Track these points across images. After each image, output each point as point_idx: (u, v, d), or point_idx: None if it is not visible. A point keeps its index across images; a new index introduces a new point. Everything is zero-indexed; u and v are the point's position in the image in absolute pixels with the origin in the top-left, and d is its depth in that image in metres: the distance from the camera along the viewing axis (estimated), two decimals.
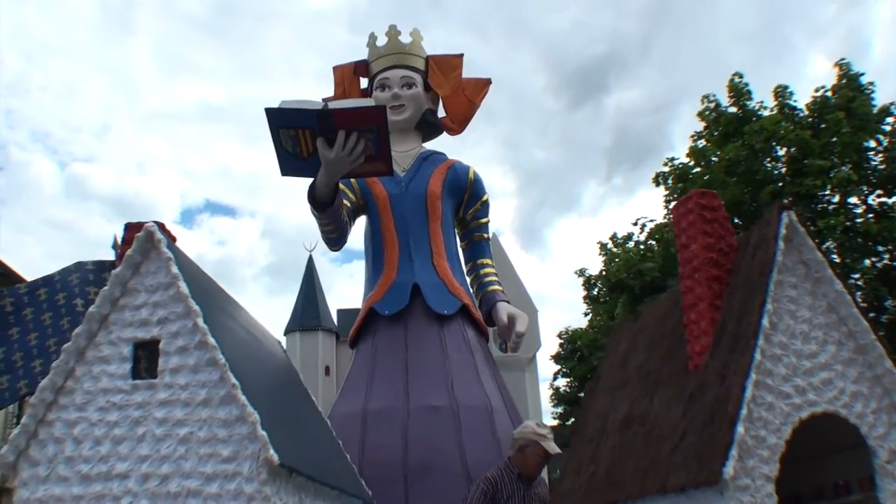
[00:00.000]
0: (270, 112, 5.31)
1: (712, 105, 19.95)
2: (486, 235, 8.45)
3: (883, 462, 3.36)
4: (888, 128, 17.64)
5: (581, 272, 22.28)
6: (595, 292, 22.28)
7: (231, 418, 3.05)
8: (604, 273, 20.75)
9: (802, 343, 3.38)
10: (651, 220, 21.07)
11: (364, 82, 8.81)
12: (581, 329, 22.84)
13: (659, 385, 3.92)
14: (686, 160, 20.30)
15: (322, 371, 32.04)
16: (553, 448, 4.21)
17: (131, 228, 3.62)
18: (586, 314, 22.64)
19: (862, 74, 18.53)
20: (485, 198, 8.50)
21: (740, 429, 3.10)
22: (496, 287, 7.90)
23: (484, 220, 8.48)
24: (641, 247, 20.58)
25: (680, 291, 3.74)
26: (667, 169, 20.35)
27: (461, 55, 8.93)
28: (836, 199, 17.26)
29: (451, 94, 8.82)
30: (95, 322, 3.25)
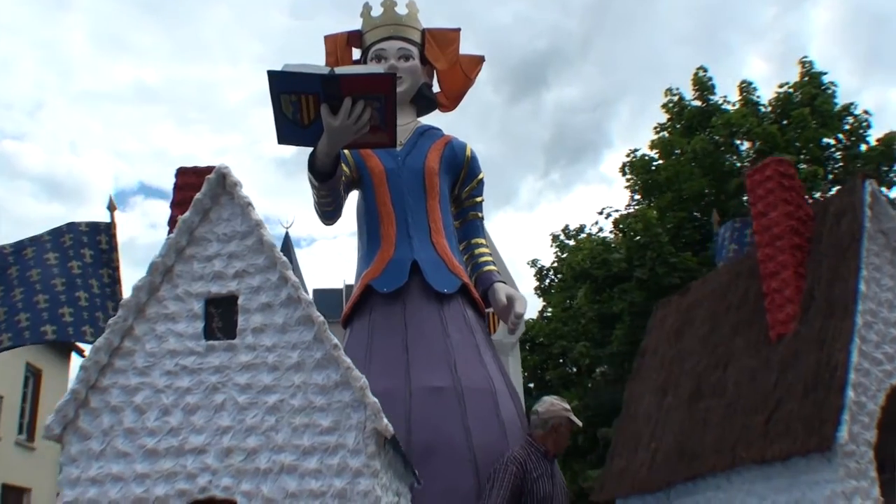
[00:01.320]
0: (273, 75, 4.88)
1: (675, 98, 20.42)
2: (480, 214, 8.18)
3: None
4: (847, 126, 18.52)
5: (533, 263, 22.40)
6: (547, 283, 22.41)
7: (329, 384, 2.60)
8: (559, 264, 20.89)
9: (888, 311, 3.26)
10: (616, 210, 21.39)
11: (356, 53, 8.38)
12: (531, 320, 22.85)
13: (732, 357, 3.73)
14: (649, 152, 20.75)
15: None
16: (579, 422, 3.96)
17: (183, 174, 3.12)
18: (545, 305, 22.69)
19: (824, 73, 19.36)
20: (480, 176, 8.23)
21: (850, 394, 2.92)
22: (491, 267, 7.66)
23: (479, 198, 8.20)
24: (611, 235, 20.81)
25: (758, 260, 3.56)
26: (629, 159, 20.74)
27: (458, 29, 8.63)
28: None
29: (447, 68, 8.50)
30: (159, 274, 2.73)
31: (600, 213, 24.49)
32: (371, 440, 2.54)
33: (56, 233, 5.25)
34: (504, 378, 7.38)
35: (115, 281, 5.37)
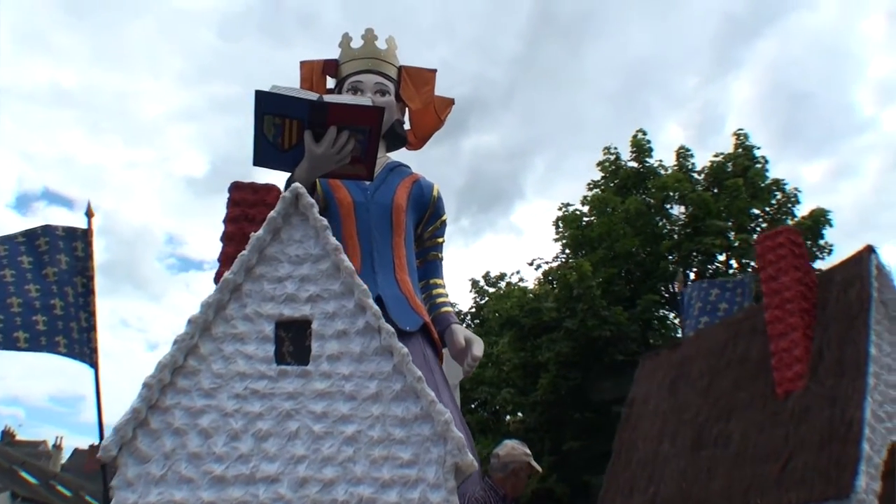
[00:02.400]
0: (261, 95, 4.89)
1: (612, 157, 21.38)
2: (440, 255, 8.27)
3: None
4: (775, 200, 19.90)
5: (453, 305, 22.58)
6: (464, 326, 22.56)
7: (409, 416, 2.55)
8: (477, 309, 21.15)
9: (888, 374, 3.57)
10: (545, 262, 21.94)
11: (331, 82, 8.41)
12: None
13: (735, 410, 3.93)
14: (581, 207, 21.56)
15: None
16: (538, 467, 4.05)
17: (239, 189, 3.00)
18: None
19: (757, 147, 20.77)
20: (444, 217, 8.36)
21: (866, 447, 3.15)
22: (449, 308, 7.77)
23: (440, 239, 8.29)
24: (532, 285, 21.29)
25: (766, 320, 3.82)
26: (561, 213, 21.44)
27: (434, 70, 8.84)
28: (735, 263, 19.05)
29: (421, 108, 8.66)
30: (227, 292, 2.61)
31: (530, 263, 25.35)
32: (450, 475, 2.50)
33: (31, 235, 4.93)
34: (459, 417, 7.44)
35: (90, 291, 5.05)
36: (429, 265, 8.71)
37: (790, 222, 21.03)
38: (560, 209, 22.55)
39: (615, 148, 22.21)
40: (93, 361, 4.90)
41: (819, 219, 20.11)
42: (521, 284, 22.86)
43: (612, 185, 22.01)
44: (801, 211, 21.18)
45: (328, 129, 5.49)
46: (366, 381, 2.62)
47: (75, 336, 4.70)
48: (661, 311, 21.66)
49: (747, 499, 3.40)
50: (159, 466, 2.42)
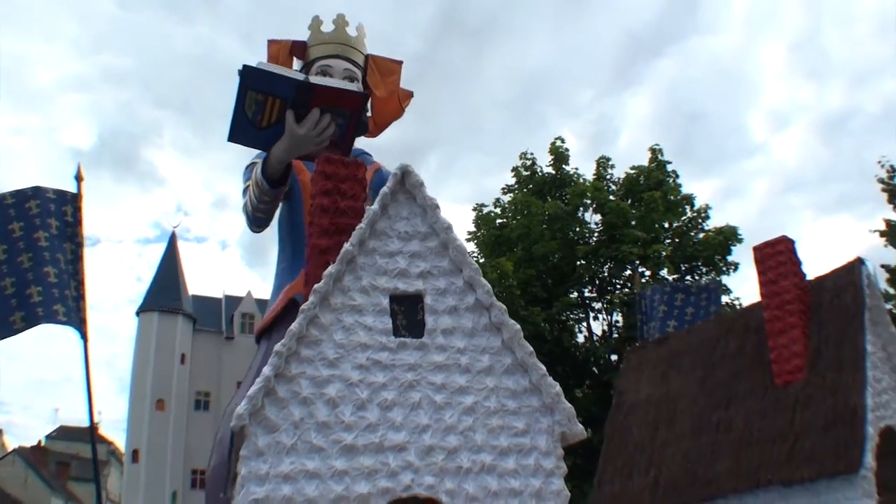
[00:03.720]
0: (248, 70, 5.00)
1: (529, 162, 22.00)
2: None
3: None
4: (686, 215, 21.12)
5: None
6: None
7: (520, 389, 2.69)
8: None
9: (873, 369, 4.10)
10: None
11: (296, 64, 8.44)
12: None
13: (734, 399, 4.35)
14: (493, 209, 22.00)
15: (178, 359, 27.44)
16: None
17: (328, 162, 3.05)
18: None
19: (669, 163, 21.92)
20: None
21: (870, 429, 3.64)
22: None
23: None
24: None
25: (765, 320, 4.26)
26: (475, 214, 21.81)
27: (401, 62, 9.03)
28: (648, 271, 20.06)
29: (385, 97, 8.84)
30: (344, 263, 2.66)
31: None
32: (559, 443, 2.70)
33: (21, 196, 4.64)
34: None
35: (78, 258, 4.82)
36: None
37: (700, 237, 22.69)
38: (474, 209, 23.16)
39: (531, 153, 23.10)
40: (83, 332, 4.69)
41: (729, 235, 21.83)
42: None
43: (526, 189, 22.85)
44: (709, 226, 22.93)
45: (311, 110, 5.55)
46: (478, 354, 2.76)
47: (70, 304, 4.48)
48: (576, 313, 22.68)
49: (758, 476, 3.82)
50: (289, 436, 2.45)
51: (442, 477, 2.49)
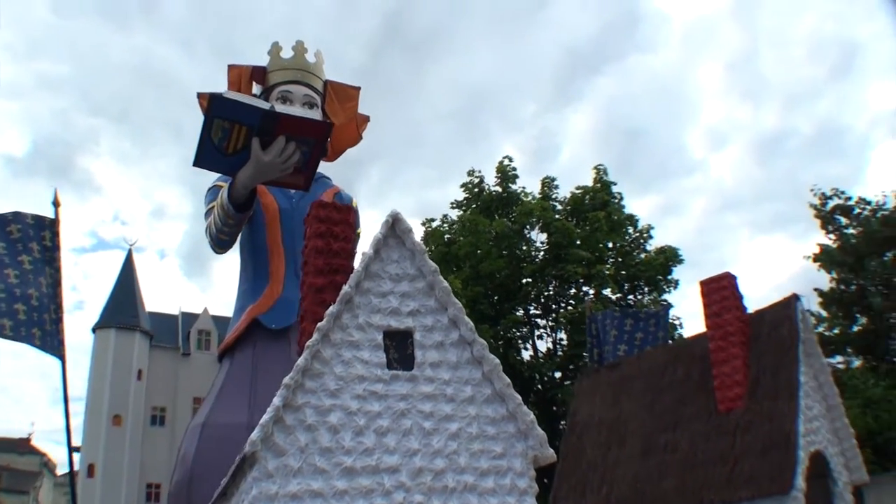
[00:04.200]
0: (216, 98, 5.30)
1: (477, 180, 22.46)
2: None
3: (840, 490, 4.68)
4: (629, 235, 21.81)
5: None
6: None
7: (498, 416, 3.03)
8: None
9: (805, 398, 4.58)
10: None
11: (256, 89, 8.69)
12: None
13: (680, 422, 4.77)
14: (441, 224, 22.36)
15: (135, 374, 26.94)
16: None
17: (322, 207, 3.35)
18: None
19: (614, 183, 22.61)
20: (359, 231, 8.93)
21: (801, 453, 4.10)
22: None
23: (354, 250, 8.87)
24: None
25: (710, 350, 4.71)
26: (424, 229, 22.15)
27: (359, 88, 9.35)
28: (591, 291, 20.65)
29: (344, 123, 9.14)
30: (342, 302, 2.96)
31: None
32: (531, 465, 3.04)
33: (1, 220, 4.77)
34: None
35: (57, 283, 4.95)
36: None
37: (642, 256, 23.55)
38: (423, 224, 23.59)
39: (479, 171, 23.66)
40: (61, 354, 4.82)
41: (670, 256, 22.73)
42: None
43: (474, 206, 23.38)
44: (652, 247, 23.82)
45: (276, 138, 5.84)
46: (462, 385, 3.09)
47: (48, 328, 4.60)
48: (522, 330, 23.23)
49: (701, 496, 4.24)
50: (296, 459, 2.73)
51: (430, 496, 2.81)
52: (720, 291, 4.75)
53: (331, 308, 2.94)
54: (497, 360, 3.09)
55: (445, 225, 23.02)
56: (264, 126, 5.45)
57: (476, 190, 22.70)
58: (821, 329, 20.74)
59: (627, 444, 4.93)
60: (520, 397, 3.06)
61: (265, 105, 5.61)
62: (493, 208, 22.54)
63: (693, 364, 4.92)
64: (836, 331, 20.86)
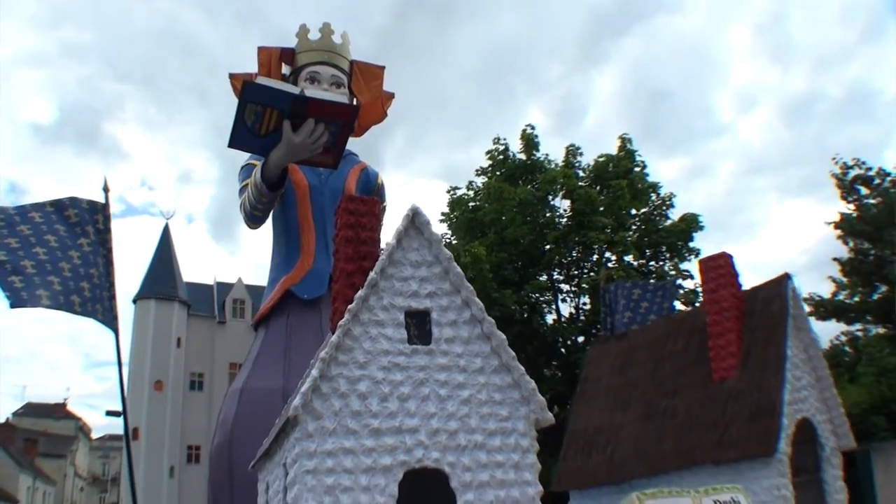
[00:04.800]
0: (249, 85, 5.74)
1: (502, 147, 22.81)
2: None
3: (828, 454, 5.13)
4: (653, 202, 22.09)
5: None
6: None
7: (504, 384, 3.51)
8: None
9: (794, 369, 4.99)
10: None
11: (285, 69, 9.14)
12: None
13: (679, 390, 5.22)
14: (467, 192, 22.83)
15: (175, 342, 29.05)
16: None
17: (351, 201, 3.81)
18: None
19: (638, 152, 22.83)
20: (384, 204, 9.47)
21: (786, 420, 4.54)
22: None
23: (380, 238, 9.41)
24: None
25: (707, 324, 5.13)
26: (450, 197, 22.64)
27: (383, 67, 9.75)
28: (613, 257, 21.07)
29: (369, 101, 9.56)
30: (370, 286, 3.44)
31: None
32: (533, 427, 3.53)
33: (59, 205, 5.26)
34: None
35: (109, 262, 5.48)
36: None
37: (665, 224, 23.75)
38: (448, 192, 23.99)
39: (504, 139, 23.95)
40: (115, 328, 5.39)
41: (690, 223, 22.92)
42: None
43: (499, 173, 23.72)
44: (675, 214, 24.03)
45: (306, 120, 6.31)
46: (473, 358, 3.56)
47: (106, 304, 5.17)
48: (546, 295, 23.72)
49: (694, 457, 4.71)
50: (331, 422, 3.24)
51: (445, 452, 3.31)
52: (717, 270, 5.15)
53: (359, 292, 3.42)
54: (503, 336, 3.55)
55: (471, 192, 23.38)
56: (295, 109, 5.86)
57: (501, 157, 22.98)
58: (842, 296, 20.91)
59: (631, 409, 5.40)
60: (522, 368, 3.52)
61: (295, 90, 6.04)
62: (517, 175, 22.80)
63: (692, 336, 5.34)
64: (855, 298, 21.01)
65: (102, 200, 5.60)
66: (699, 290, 21.76)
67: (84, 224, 5.11)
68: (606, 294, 7.69)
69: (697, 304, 20.15)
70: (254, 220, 7.88)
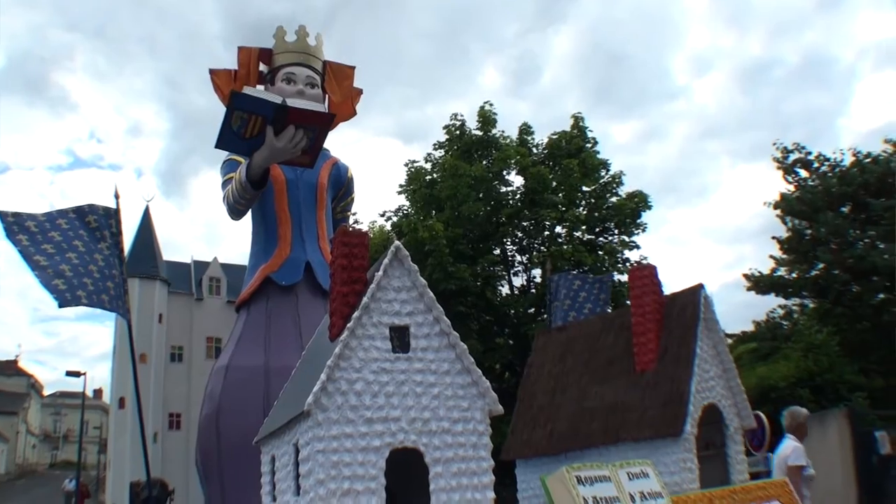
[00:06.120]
0: (236, 95, 6.77)
1: (459, 122, 23.92)
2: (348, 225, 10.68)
3: (731, 432, 6.41)
4: (603, 179, 23.52)
5: None
6: None
7: (465, 383, 4.61)
8: None
9: (704, 364, 6.22)
10: (396, 213, 24.15)
11: (262, 68, 10.10)
12: None
13: (608, 378, 6.41)
14: (424, 165, 23.96)
15: (157, 318, 31.28)
16: None
17: (345, 234, 4.84)
18: None
19: (590, 130, 24.16)
20: (353, 196, 10.62)
21: (692, 407, 5.77)
22: None
23: (349, 212, 10.62)
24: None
25: (632, 323, 6.31)
26: (408, 168, 23.78)
27: (353, 67, 10.74)
28: (564, 233, 22.44)
29: (341, 101, 10.59)
30: (362, 308, 4.50)
31: (381, 214, 27.55)
32: (486, 415, 4.68)
33: (80, 212, 6.10)
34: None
35: (122, 262, 6.41)
36: None
37: (614, 200, 25.23)
38: (406, 165, 25.01)
39: (461, 115, 25.07)
40: (129, 321, 6.38)
41: (639, 201, 24.48)
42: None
43: (456, 148, 24.81)
44: (623, 191, 25.50)
45: (287, 126, 7.31)
46: (441, 362, 4.64)
47: (123, 299, 6.13)
48: (499, 269, 25.13)
49: (618, 434, 5.93)
50: (335, 413, 4.29)
51: (420, 436, 4.40)
52: (643, 279, 6.31)
53: (355, 312, 4.49)
54: (464, 346, 4.65)
55: (429, 164, 24.42)
56: (277, 116, 6.87)
57: (458, 132, 24.05)
58: (781, 272, 22.69)
59: (567, 392, 6.60)
60: (480, 371, 4.64)
61: (277, 99, 7.04)
62: (473, 150, 23.98)
63: (620, 332, 6.53)
64: (794, 275, 22.84)
65: (114, 206, 6.49)
66: (646, 260, 23.43)
67: (102, 229, 5.98)
68: (551, 285, 8.88)
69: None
70: (236, 213, 8.89)
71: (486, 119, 24.26)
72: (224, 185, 9.30)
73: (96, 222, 5.90)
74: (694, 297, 6.12)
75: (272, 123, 6.48)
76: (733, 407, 6.30)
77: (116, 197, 6.58)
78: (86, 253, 5.53)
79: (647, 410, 5.77)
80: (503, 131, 24.67)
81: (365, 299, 4.39)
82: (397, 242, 4.65)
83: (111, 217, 6.25)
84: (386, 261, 4.54)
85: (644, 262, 23.08)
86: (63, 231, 5.63)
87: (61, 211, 5.86)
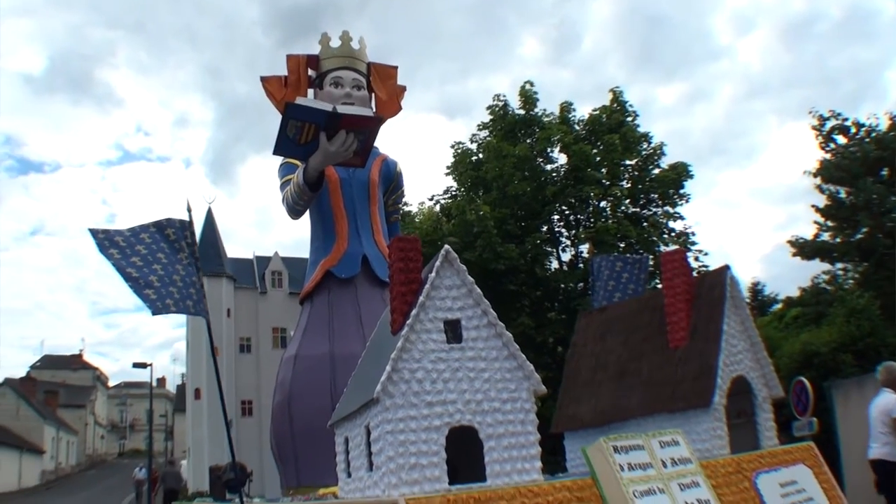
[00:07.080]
0: (290, 105, 7.41)
1: (501, 103, 24.44)
2: (398, 217, 11.44)
3: (760, 401, 6.95)
4: (644, 152, 23.85)
5: None
6: None
7: (512, 367, 5.25)
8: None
9: (732, 339, 6.75)
10: (444, 197, 24.94)
11: (311, 72, 10.85)
12: None
13: (644, 354, 6.99)
14: (469, 145, 24.58)
15: (225, 313, 34.36)
16: None
17: (400, 240, 5.51)
18: None
19: (630, 104, 24.44)
20: (403, 188, 11.36)
21: (720, 380, 6.33)
22: None
23: (400, 205, 11.38)
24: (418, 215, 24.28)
25: (665, 304, 6.87)
26: (455, 151, 24.42)
27: (396, 67, 11.41)
28: (609, 208, 22.90)
29: (386, 99, 11.29)
30: (419, 307, 5.20)
31: (430, 199, 28.29)
32: (532, 395, 5.34)
33: (159, 226, 6.80)
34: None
35: (198, 270, 7.17)
36: (392, 226, 11.46)
37: (656, 172, 25.42)
38: (452, 147, 25.61)
39: (503, 96, 25.51)
40: (208, 321, 7.16)
41: (681, 172, 24.66)
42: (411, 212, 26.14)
43: (500, 128, 25.29)
44: (665, 162, 25.68)
45: (339, 132, 8.01)
46: (491, 350, 5.30)
47: (203, 303, 6.89)
48: (546, 247, 25.68)
49: (654, 407, 6.51)
50: (399, 398, 5.00)
51: (475, 415, 5.06)
52: (673, 263, 6.84)
53: (413, 309, 5.17)
54: (509, 335, 5.30)
55: (475, 145, 24.95)
56: (329, 123, 7.57)
57: (501, 112, 24.51)
58: (825, 237, 22.69)
59: (608, 369, 7.20)
60: (524, 356, 5.31)
61: (329, 107, 7.74)
62: (516, 130, 24.43)
63: (655, 312, 7.08)
64: (838, 239, 22.82)
65: (188, 219, 7.23)
66: (690, 232, 23.70)
67: (179, 240, 6.68)
68: (592, 266, 9.44)
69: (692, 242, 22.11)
70: (295, 213, 9.68)
71: (528, 98, 24.66)
72: (282, 187, 10.11)
73: (174, 234, 6.59)
74: (721, 278, 6.63)
75: (325, 129, 7.19)
76: (761, 378, 6.81)
77: (189, 210, 7.34)
78: (168, 264, 6.23)
79: (679, 384, 6.33)
80: (545, 109, 25.02)
81: (421, 298, 5.05)
82: (447, 246, 5.27)
83: (186, 229, 6.95)
84: (438, 263, 5.18)
85: (689, 230, 23.35)
86: (147, 245, 6.32)
87: (143, 226, 6.54)
